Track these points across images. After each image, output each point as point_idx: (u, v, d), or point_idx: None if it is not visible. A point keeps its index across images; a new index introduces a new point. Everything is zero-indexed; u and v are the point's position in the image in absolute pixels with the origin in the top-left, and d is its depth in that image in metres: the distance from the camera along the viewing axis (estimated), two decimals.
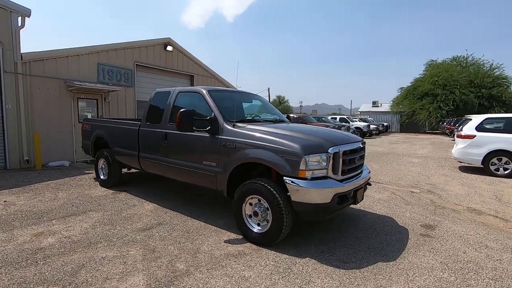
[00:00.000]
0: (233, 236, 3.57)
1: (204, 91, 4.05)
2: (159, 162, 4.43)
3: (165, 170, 4.40)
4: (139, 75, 10.51)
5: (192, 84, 12.70)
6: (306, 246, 3.32)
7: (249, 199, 3.35)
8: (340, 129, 18.60)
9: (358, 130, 23.52)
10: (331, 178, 3.10)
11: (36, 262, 2.89)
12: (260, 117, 4.56)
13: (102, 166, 5.77)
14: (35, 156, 7.45)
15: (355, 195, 3.39)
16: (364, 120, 28.67)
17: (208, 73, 13.59)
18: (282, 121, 4.50)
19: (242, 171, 3.57)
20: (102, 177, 5.79)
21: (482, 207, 4.92)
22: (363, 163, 3.87)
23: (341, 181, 3.16)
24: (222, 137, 3.61)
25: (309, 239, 3.51)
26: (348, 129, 19.66)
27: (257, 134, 3.35)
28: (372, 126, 25.63)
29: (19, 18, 7.28)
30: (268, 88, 47.53)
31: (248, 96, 4.87)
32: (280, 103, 77.52)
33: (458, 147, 8.15)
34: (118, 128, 5.35)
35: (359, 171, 3.65)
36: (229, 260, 2.98)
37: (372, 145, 16.28)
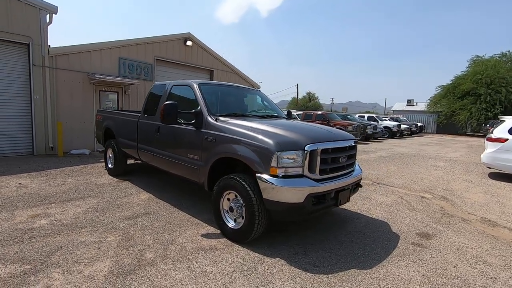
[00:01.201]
0: (212, 230, 3.55)
1: (194, 84, 4.05)
2: (153, 154, 4.54)
3: (159, 161, 4.50)
4: (158, 69, 10.86)
5: (211, 79, 12.86)
6: (281, 245, 3.21)
7: (227, 194, 3.31)
8: (366, 128, 17.85)
9: (387, 130, 22.39)
10: (307, 177, 2.95)
11: (22, 241, 3.10)
12: (255, 112, 4.48)
13: (110, 156, 6.06)
14: (58, 143, 8.02)
15: (337, 197, 3.20)
16: (396, 120, 27.14)
17: (228, 68, 13.67)
18: (276, 117, 4.37)
19: (227, 166, 3.52)
20: (109, 165, 6.08)
21: (499, 219, 4.42)
22: (353, 163, 3.64)
23: (318, 180, 2.99)
24: (204, 130, 3.59)
25: (289, 238, 3.39)
26: (374, 128, 18.78)
27: (236, 129, 3.28)
28: (403, 126, 24.21)
29: (47, 15, 7.84)
30: (297, 85, 46.92)
31: (245, 91, 4.79)
32: (310, 100, 75.97)
33: (488, 151, 7.40)
34: (122, 119, 5.57)
35: (346, 171, 3.43)
36: (198, 254, 2.97)
37: (399, 146, 15.39)
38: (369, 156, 10.97)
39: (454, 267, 2.88)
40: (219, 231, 3.47)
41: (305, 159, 2.92)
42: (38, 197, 4.53)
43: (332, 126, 16.74)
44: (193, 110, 3.73)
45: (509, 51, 29.65)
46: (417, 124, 28.56)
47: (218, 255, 2.96)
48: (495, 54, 30.07)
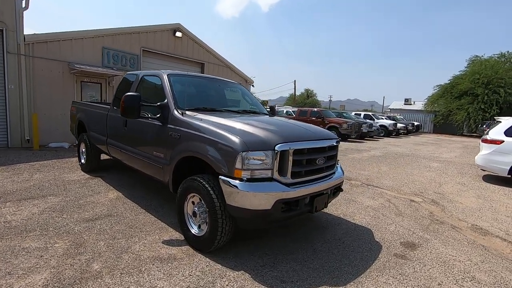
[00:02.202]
0: (176, 236, 3.22)
1: (164, 75, 3.69)
2: (121, 150, 4.19)
3: (126, 158, 4.15)
4: (146, 60, 10.43)
5: (202, 72, 12.44)
6: (250, 255, 2.88)
7: (191, 197, 2.97)
8: (361, 127, 17.54)
9: (383, 128, 22.10)
10: (277, 181, 2.61)
11: None
12: (233, 107, 4.12)
13: (82, 150, 5.69)
14: (33, 136, 7.62)
15: (312, 202, 2.87)
16: (393, 118, 26.87)
17: (221, 62, 13.25)
18: (254, 113, 4.02)
19: (196, 166, 3.17)
20: (82, 161, 5.72)
21: (491, 226, 4.12)
22: (334, 164, 3.30)
23: (290, 184, 2.66)
24: (169, 126, 3.24)
25: (260, 246, 3.06)
26: (370, 126, 18.48)
27: (202, 125, 2.93)
28: (399, 125, 23.95)
29: (23, 0, 7.37)
30: (294, 81, 46.40)
31: (223, 84, 4.42)
32: (308, 96, 75.52)
33: (482, 153, 7.10)
34: (93, 112, 5.20)
35: (324, 174, 3.10)
36: (153, 265, 2.63)
37: (394, 145, 15.11)
38: (361, 155, 10.67)
39: (439, 284, 2.57)
40: (183, 238, 3.13)
41: (275, 160, 2.58)
42: None
43: (326, 124, 16.47)
44: (159, 103, 3.37)
45: (508, 52, 29.39)
46: (414, 123, 28.28)
47: (175, 266, 2.62)
48: (494, 54, 29.81)
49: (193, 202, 2.99)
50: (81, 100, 8.44)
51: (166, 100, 3.41)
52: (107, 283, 2.33)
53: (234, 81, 4.68)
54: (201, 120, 3.04)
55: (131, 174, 5.64)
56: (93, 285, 2.29)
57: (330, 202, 3.41)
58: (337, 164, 3.71)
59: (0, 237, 2.98)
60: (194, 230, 2.96)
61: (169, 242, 3.08)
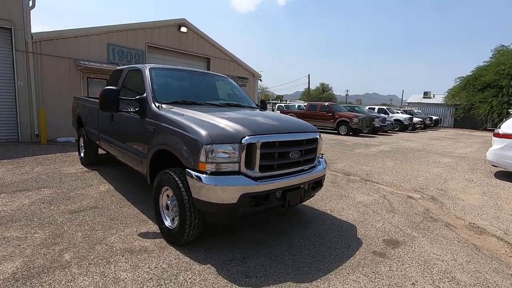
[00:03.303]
0: (153, 229, 3.24)
1: (145, 69, 3.70)
2: (109, 144, 4.26)
3: (114, 151, 4.23)
4: (151, 56, 10.56)
5: (208, 67, 12.47)
6: (222, 249, 2.86)
7: (165, 190, 2.98)
8: (373, 121, 17.04)
9: (397, 123, 21.41)
10: (244, 175, 2.56)
11: None
12: (217, 100, 4.08)
13: (81, 145, 5.86)
14: (41, 131, 7.93)
15: (285, 197, 2.79)
16: (409, 112, 25.93)
17: (227, 57, 13.22)
18: (239, 106, 3.97)
19: (172, 159, 3.16)
20: (81, 154, 5.89)
21: (489, 225, 3.88)
22: (313, 158, 3.19)
23: (258, 178, 2.60)
24: (147, 119, 3.25)
25: (235, 241, 3.03)
26: (383, 120, 17.94)
27: (174, 117, 2.91)
28: (415, 119, 23.09)
29: None
30: (308, 75, 45.75)
31: (210, 78, 4.38)
32: (324, 91, 74.26)
33: (494, 148, 6.71)
34: (88, 106, 5.32)
35: (300, 168, 3.00)
36: (123, 256, 2.66)
37: (406, 140, 14.59)
38: (369, 150, 10.37)
39: (412, 284, 2.44)
40: (159, 231, 3.16)
41: (242, 153, 2.52)
42: None
43: (336, 118, 16.13)
44: (137, 97, 3.39)
45: None
46: (432, 118, 27.18)
47: (144, 258, 2.64)
48: None
49: (167, 195, 2.99)
50: (87, 96, 8.66)
51: (145, 94, 3.42)
52: (73, 273, 2.37)
53: (222, 75, 4.63)
54: (174, 113, 3.02)
55: (126, 168, 5.74)
56: (59, 274, 2.35)
57: (309, 197, 3.32)
58: (321, 158, 3.60)
59: None
60: (167, 222, 2.97)
61: (145, 235, 3.11)
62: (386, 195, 4.98)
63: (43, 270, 2.40)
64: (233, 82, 4.67)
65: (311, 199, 4.42)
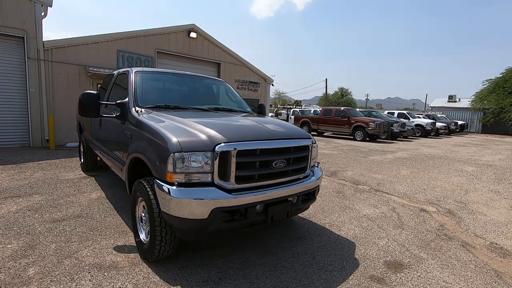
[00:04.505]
0: (130, 242, 3.03)
1: (131, 72, 3.55)
2: (99, 149, 4.15)
3: (102, 157, 4.10)
4: (160, 62, 10.61)
5: (218, 72, 12.38)
6: (198, 268, 2.58)
7: (140, 201, 2.76)
8: (392, 126, 16.26)
9: (419, 128, 20.38)
10: (218, 186, 2.29)
11: None
12: (209, 104, 3.85)
13: (81, 150, 5.84)
14: (50, 136, 8.07)
15: (266, 211, 2.49)
16: (432, 117, 24.66)
17: (238, 61, 13.09)
18: (229, 110, 3.71)
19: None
20: (81, 160, 5.86)
21: None
22: (303, 168, 2.86)
23: (233, 191, 2.31)
24: (126, 124, 3.07)
25: (214, 258, 2.75)
26: (402, 126, 17.10)
27: (149, 122, 2.70)
28: (439, 124, 21.89)
29: (42, 8, 7.85)
30: (326, 80, 44.98)
31: (203, 82, 4.18)
32: (343, 95, 72.84)
33: None
34: None
35: (286, 179, 2.69)
36: (89, 273, 2.46)
37: (428, 146, 13.75)
38: (384, 157, 9.78)
39: None
40: (135, 244, 2.94)
41: (214, 162, 2.25)
42: None
43: (352, 123, 15.53)
44: (118, 101, 3.22)
45: None
46: (457, 123, 25.69)
47: (111, 276, 2.42)
48: None
49: (143, 207, 2.78)
50: None
51: (127, 98, 3.25)
52: None
53: (216, 78, 4.41)
54: (151, 118, 2.82)
55: None
56: None
57: (299, 210, 2.98)
58: (317, 166, 3.27)
59: None
60: (142, 236, 2.75)
61: (121, 248, 2.90)
62: (396, 207, 4.52)
63: (1, 286, 2.23)
64: (229, 86, 4.43)
65: (308, 211, 4.08)
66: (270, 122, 3.06)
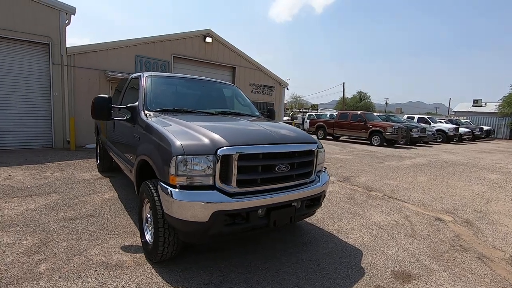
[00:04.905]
0: (139, 242, 3.10)
1: (142, 76, 3.65)
2: (113, 151, 4.29)
3: (115, 159, 4.23)
4: (177, 66, 10.86)
5: (233, 76, 12.51)
6: (200, 270, 2.60)
7: (146, 202, 2.83)
8: (411, 131, 15.76)
9: (440, 134, 19.62)
10: (220, 190, 2.30)
11: None
12: (218, 108, 3.90)
13: (98, 152, 6.05)
14: (71, 138, 8.43)
15: (268, 216, 2.48)
16: (455, 122, 23.70)
17: (253, 65, 13.18)
18: (236, 114, 3.74)
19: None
20: (98, 161, 6.07)
21: None
22: (308, 173, 2.83)
23: (235, 194, 2.32)
24: (135, 127, 3.17)
25: (217, 261, 2.76)
26: (422, 131, 16.54)
27: (156, 126, 2.77)
28: (462, 130, 21.02)
29: (66, 16, 8.26)
30: (343, 83, 44.37)
31: (213, 86, 4.23)
32: (361, 99, 71.49)
33: None
34: None
35: (290, 184, 2.67)
36: (96, 271, 2.53)
37: (449, 152, 13.22)
38: (401, 163, 9.49)
39: None
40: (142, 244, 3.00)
41: (216, 166, 2.27)
42: (10, 190, 4.61)
43: (369, 128, 15.19)
44: (129, 105, 3.33)
45: None
46: (483, 128, 24.55)
47: (116, 275, 2.49)
48: None
49: (149, 208, 2.84)
50: None
51: (137, 102, 3.35)
52: (39, 286, 2.28)
53: (226, 82, 4.46)
54: (159, 121, 2.89)
55: None
56: (26, 287, 2.27)
57: (303, 216, 2.95)
58: (323, 171, 3.22)
59: None
60: (148, 236, 2.81)
61: (127, 248, 2.97)
62: (409, 215, 4.36)
63: (13, 281, 2.34)
64: (238, 90, 4.47)
65: (316, 217, 4.02)
66: (276, 126, 3.05)
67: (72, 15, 8.37)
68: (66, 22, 8.33)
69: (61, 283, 2.34)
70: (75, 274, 2.47)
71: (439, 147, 15.98)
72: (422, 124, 18.75)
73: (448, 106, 67.27)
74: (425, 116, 21.57)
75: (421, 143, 17.53)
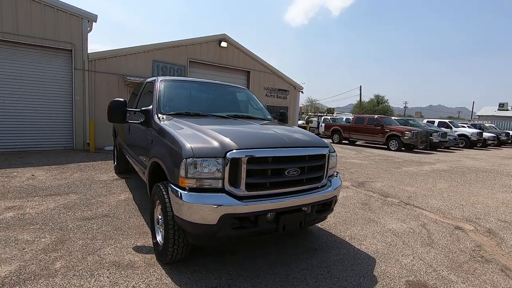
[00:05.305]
0: (149, 243, 3.15)
1: (157, 80, 3.74)
2: (128, 154, 4.40)
3: (130, 160, 4.34)
4: (192, 70, 11.05)
5: (248, 80, 12.59)
6: (209, 273, 2.61)
7: (158, 204, 2.87)
8: (431, 136, 15.23)
9: (462, 138, 18.87)
10: (228, 193, 2.31)
11: None
12: (229, 112, 3.93)
13: (115, 154, 6.23)
14: (90, 140, 8.74)
15: (277, 220, 2.45)
16: (479, 127, 22.73)
17: (267, 69, 13.22)
18: (248, 118, 3.75)
19: None
20: (115, 163, 6.25)
21: None
22: (319, 177, 2.79)
23: (244, 198, 2.32)
24: (148, 130, 3.24)
25: (227, 264, 2.76)
26: (443, 135, 15.95)
27: (168, 129, 2.82)
28: (487, 134, 20.12)
29: (88, 24, 8.62)
30: (360, 87, 43.62)
31: (226, 90, 4.27)
32: (379, 103, 70.02)
33: None
34: None
35: (300, 188, 2.63)
36: (108, 270, 2.59)
37: (472, 158, 12.68)
38: (420, 168, 9.18)
39: None
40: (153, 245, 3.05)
41: (225, 169, 2.28)
42: (33, 189, 4.82)
43: (386, 132, 14.82)
44: (143, 108, 3.41)
45: None
46: (509, 133, 23.38)
47: (127, 275, 2.53)
48: None
49: (161, 209, 2.88)
50: None
51: (151, 105, 3.43)
52: (54, 283, 2.36)
53: (238, 86, 4.49)
54: (171, 124, 2.94)
55: None
56: (42, 283, 2.35)
57: (313, 221, 2.90)
58: (335, 176, 3.17)
59: (8, 227, 3.37)
60: (159, 237, 2.85)
61: (139, 249, 3.03)
62: (427, 223, 4.20)
63: (30, 277, 2.44)
64: (251, 93, 4.49)
65: (328, 222, 3.95)
66: (287, 130, 3.03)
67: (93, 23, 8.72)
68: (88, 29, 8.69)
69: (75, 280, 2.41)
70: (89, 273, 2.54)
71: (461, 153, 15.36)
72: (443, 129, 18.11)
73: (471, 110, 64.55)
74: (446, 120, 20.80)
75: (442, 149, 16.92)
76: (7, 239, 3.06)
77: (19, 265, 2.60)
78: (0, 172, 5.85)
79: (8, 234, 3.18)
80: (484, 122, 27.34)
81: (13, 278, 2.40)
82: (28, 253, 2.81)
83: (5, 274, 2.44)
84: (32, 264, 2.63)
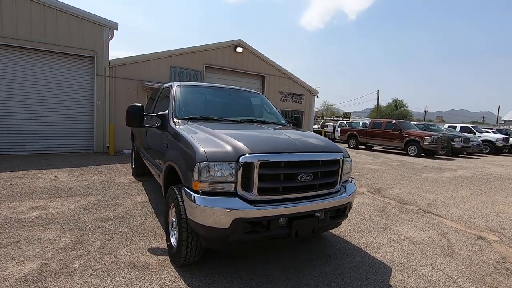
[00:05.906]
0: (164, 245, 3.21)
1: (173, 86, 3.84)
2: (145, 157, 4.52)
3: (147, 163, 4.45)
4: (208, 76, 11.24)
5: (263, 85, 12.65)
6: (221, 277, 2.62)
7: (172, 206, 2.93)
8: (452, 141, 14.70)
9: (487, 144, 18.09)
10: (241, 197, 2.32)
11: None
12: (243, 116, 3.96)
13: (133, 157, 6.41)
14: (110, 143, 9.03)
15: (290, 225, 2.44)
16: (504, 132, 21.69)
17: (282, 74, 13.24)
18: (262, 122, 3.77)
19: None
20: (133, 166, 6.43)
21: None
22: (332, 182, 2.75)
23: (256, 202, 2.33)
24: (164, 134, 3.32)
25: (239, 269, 2.77)
26: (466, 141, 15.35)
27: (183, 133, 2.87)
28: None
29: (109, 32, 8.97)
30: (377, 91, 42.82)
31: (240, 94, 4.32)
32: (397, 107, 68.35)
33: None
34: None
35: (313, 193, 2.61)
36: (123, 270, 2.66)
37: (496, 165, 12.12)
38: (440, 175, 8.86)
39: None
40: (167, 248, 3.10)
41: (237, 173, 2.30)
42: (55, 190, 5.03)
43: (405, 137, 14.43)
44: (159, 112, 3.50)
45: None
46: None
47: (141, 276, 2.59)
48: None
49: (175, 212, 2.94)
50: None
51: (167, 110, 3.52)
52: (72, 281, 2.45)
53: (253, 91, 4.53)
54: (186, 129, 3.00)
55: None
56: (61, 281, 2.45)
57: (326, 227, 2.86)
58: (350, 181, 3.12)
59: (32, 226, 3.53)
60: (173, 240, 2.89)
61: (154, 250, 3.09)
62: (447, 232, 4.04)
63: (51, 274, 2.54)
64: (265, 98, 4.52)
65: (343, 229, 3.88)
66: (300, 134, 3.03)
67: (114, 30, 9.07)
68: (110, 37, 9.05)
69: (92, 280, 2.49)
70: (105, 273, 2.61)
71: (485, 159, 14.71)
72: (466, 134, 17.44)
73: (497, 114, 61.66)
74: (469, 125, 20.01)
75: (465, 155, 16.27)
76: (31, 238, 3.20)
77: (41, 262, 2.71)
78: (27, 173, 6.14)
79: (32, 233, 3.33)
80: (510, 127, 26.05)
81: (35, 275, 2.51)
82: (49, 252, 2.93)
83: (28, 271, 2.56)
84: (53, 262, 2.74)
